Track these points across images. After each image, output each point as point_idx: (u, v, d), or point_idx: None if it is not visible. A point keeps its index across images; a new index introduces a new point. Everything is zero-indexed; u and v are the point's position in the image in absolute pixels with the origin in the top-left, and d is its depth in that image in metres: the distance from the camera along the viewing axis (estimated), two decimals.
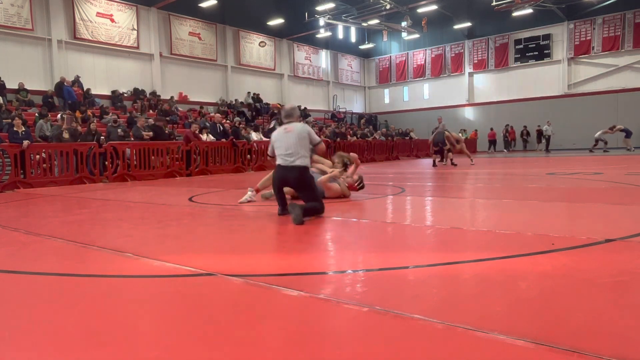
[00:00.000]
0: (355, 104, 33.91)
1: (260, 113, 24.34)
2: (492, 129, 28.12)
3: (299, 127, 4.65)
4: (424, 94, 32.27)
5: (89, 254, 3.23)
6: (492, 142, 28.19)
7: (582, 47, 25.94)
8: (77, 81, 17.58)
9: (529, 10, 24.28)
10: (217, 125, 14.54)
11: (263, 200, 6.13)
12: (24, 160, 9.62)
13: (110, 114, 16.51)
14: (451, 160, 13.93)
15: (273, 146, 4.65)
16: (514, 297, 2.04)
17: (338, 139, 18.88)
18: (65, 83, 16.76)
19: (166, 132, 13.41)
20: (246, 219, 4.84)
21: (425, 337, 1.64)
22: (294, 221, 4.17)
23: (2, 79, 15.90)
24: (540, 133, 25.31)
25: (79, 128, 11.93)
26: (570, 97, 26.47)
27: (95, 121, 12.77)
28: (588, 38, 25.75)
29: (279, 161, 4.58)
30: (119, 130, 12.02)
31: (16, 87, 16.38)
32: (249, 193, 6.10)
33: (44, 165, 10.04)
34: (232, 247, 3.35)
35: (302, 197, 4.57)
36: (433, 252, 3.07)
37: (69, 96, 16.43)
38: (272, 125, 10.74)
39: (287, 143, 4.50)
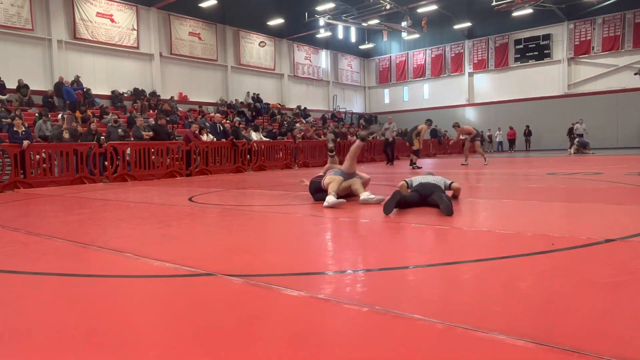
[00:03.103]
0: (355, 104, 33.93)
1: (260, 113, 24.35)
2: (511, 128, 28.02)
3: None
4: (424, 94, 32.29)
5: (89, 254, 3.23)
6: (512, 141, 28.12)
7: (582, 47, 25.95)
8: (76, 81, 17.59)
9: (529, 10, 24.31)
10: (217, 125, 14.55)
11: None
12: (24, 160, 9.62)
13: (111, 114, 16.52)
14: (414, 162, 13.08)
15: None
16: (514, 297, 2.04)
17: (338, 139, 18.85)
18: (64, 83, 16.77)
19: (167, 132, 13.41)
20: (246, 219, 4.84)
21: (425, 337, 1.64)
22: (445, 211, 4.40)
23: (2, 79, 15.91)
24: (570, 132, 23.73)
25: (79, 128, 11.93)
26: (570, 97, 26.48)
27: (95, 121, 12.78)
28: (588, 38, 25.77)
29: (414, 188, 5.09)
30: (120, 130, 12.02)
31: (15, 87, 16.36)
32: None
33: (44, 165, 10.04)
34: (232, 247, 3.35)
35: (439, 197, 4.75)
36: (433, 252, 3.07)
37: (68, 96, 16.43)
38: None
39: (426, 179, 5.19)
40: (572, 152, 20.10)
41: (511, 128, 28.03)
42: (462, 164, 13.01)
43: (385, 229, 4.01)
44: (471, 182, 8.44)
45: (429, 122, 13.67)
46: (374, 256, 2.96)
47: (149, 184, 10.26)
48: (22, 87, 16.34)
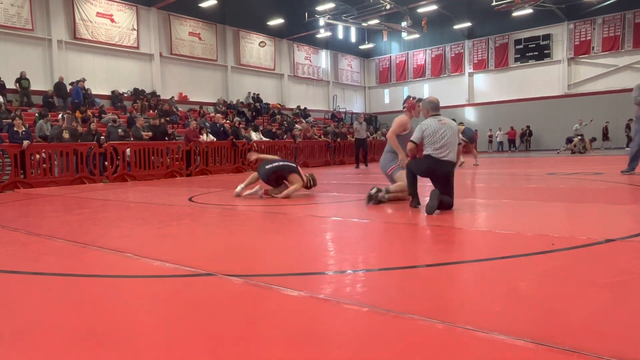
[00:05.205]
0: (355, 104, 33.91)
1: (260, 113, 24.34)
2: (512, 128, 27.97)
3: (451, 121, 4.73)
4: (424, 94, 32.28)
5: (89, 254, 3.23)
6: (512, 141, 28.07)
7: (582, 47, 25.94)
8: (80, 80, 17.53)
9: (529, 10, 24.29)
10: (218, 125, 14.56)
11: (266, 199, 6.11)
12: (24, 160, 9.62)
13: (111, 113, 16.51)
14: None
15: (422, 135, 4.62)
16: (514, 297, 2.04)
17: (338, 139, 18.86)
18: (77, 84, 16.73)
19: (167, 132, 13.40)
20: (246, 219, 4.84)
21: (425, 337, 1.64)
22: (426, 209, 4.28)
23: (2, 79, 15.89)
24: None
25: (79, 128, 11.93)
26: (570, 97, 26.47)
27: (95, 121, 12.78)
28: (588, 38, 25.76)
29: (428, 151, 4.59)
30: (120, 130, 12.02)
31: (16, 87, 16.30)
32: (256, 188, 6.47)
33: (44, 165, 10.04)
34: (232, 247, 3.35)
35: (442, 190, 4.51)
36: (433, 252, 3.07)
37: (76, 96, 16.41)
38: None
39: (442, 136, 4.53)
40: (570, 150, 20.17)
41: (512, 128, 28.01)
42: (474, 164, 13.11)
43: (385, 229, 4.01)
44: (471, 182, 8.44)
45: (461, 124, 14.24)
46: (374, 256, 2.96)
47: (149, 184, 10.26)
48: (23, 79, 16.20)
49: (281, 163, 6.51)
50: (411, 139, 4.77)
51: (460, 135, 13.28)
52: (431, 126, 4.60)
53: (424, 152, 4.66)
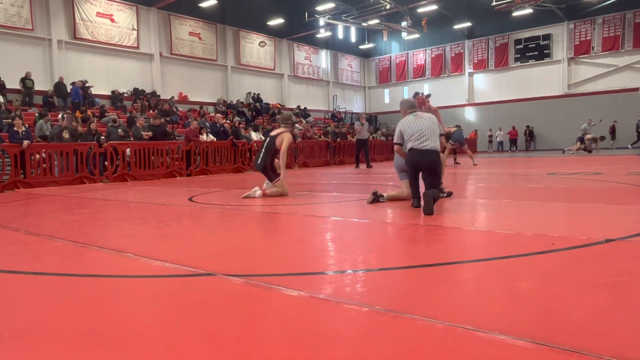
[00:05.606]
0: (355, 104, 33.91)
1: (260, 113, 24.34)
2: (513, 127, 27.97)
3: (427, 114, 4.97)
4: (424, 94, 32.26)
5: (89, 254, 3.23)
6: (513, 141, 28.05)
7: (582, 47, 25.94)
8: (82, 81, 17.53)
9: (529, 10, 24.28)
10: (218, 125, 14.55)
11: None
12: (24, 160, 9.62)
13: (112, 113, 16.50)
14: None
15: (400, 131, 4.92)
16: (514, 297, 2.04)
17: (338, 139, 18.86)
18: (76, 84, 16.72)
19: (168, 131, 13.39)
20: (246, 219, 4.84)
21: (425, 337, 1.64)
22: (424, 211, 4.32)
23: (2, 79, 15.90)
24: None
25: (79, 128, 11.93)
26: (570, 97, 26.47)
27: (95, 121, 12.78)
28: (588, 38, 25.75)
29: (410, 145, 4.78)
30: (120, 130, 12.02)
31: (20, 86, 16.28)
32: (255, 188, 6.52)
33: (44, 165, 10.03)
34: (232, 247, 3.35)
35: (428, 181, 4.65)
36: (433, 252, 3.07)
37: (76, 96, 16.40)
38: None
39: (419, 127, 4.77)
40: (576, 149, 20.07)
41: (514, 128, 27.99)
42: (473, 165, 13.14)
43: (385, 229, 4.01)
44: (471, 182, 8.44)
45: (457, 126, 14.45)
46: (374, 256, 2.96)
47: (149, 184, 10.26)
48: (27, 79, 16.21)
49: (263, 147, 6.66)
50: (394, 141, 5.09)
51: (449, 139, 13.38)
52: (407, 121, 4.92)
53: (408, 148, 4.85)
